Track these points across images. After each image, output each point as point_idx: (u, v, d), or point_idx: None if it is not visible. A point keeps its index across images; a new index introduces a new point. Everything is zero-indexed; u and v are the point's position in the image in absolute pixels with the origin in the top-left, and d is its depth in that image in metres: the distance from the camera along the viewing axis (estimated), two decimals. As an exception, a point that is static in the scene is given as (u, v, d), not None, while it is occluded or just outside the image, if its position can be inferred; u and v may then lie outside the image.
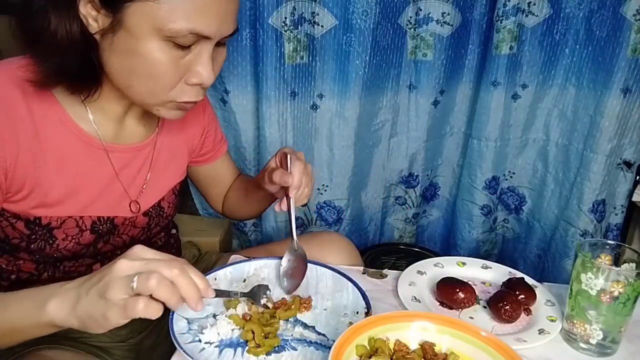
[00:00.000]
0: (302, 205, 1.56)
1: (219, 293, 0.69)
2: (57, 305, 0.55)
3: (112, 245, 0.81)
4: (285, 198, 0.80)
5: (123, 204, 0.80)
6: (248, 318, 0.71)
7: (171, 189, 0.88)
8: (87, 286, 0.55)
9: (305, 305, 0.75)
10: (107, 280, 0.52)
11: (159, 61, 0.63)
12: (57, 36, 0.62)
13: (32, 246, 0.73)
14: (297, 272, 0.80)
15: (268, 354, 0.66)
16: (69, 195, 0.73)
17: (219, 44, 0.68)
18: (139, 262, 0.53)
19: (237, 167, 1.07)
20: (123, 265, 0.53)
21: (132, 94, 0.68)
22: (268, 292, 0.75)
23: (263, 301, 0.73)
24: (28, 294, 0.60)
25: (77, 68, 0.65)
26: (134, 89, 0.67)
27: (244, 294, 0.72)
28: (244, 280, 0.81)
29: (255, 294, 0.74)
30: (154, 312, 0.52)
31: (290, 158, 0.79)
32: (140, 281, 0.51)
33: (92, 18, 0.62)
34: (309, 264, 0.83)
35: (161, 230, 0.92)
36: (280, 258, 0.83)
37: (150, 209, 0.85)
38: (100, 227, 0.78)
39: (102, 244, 0.80)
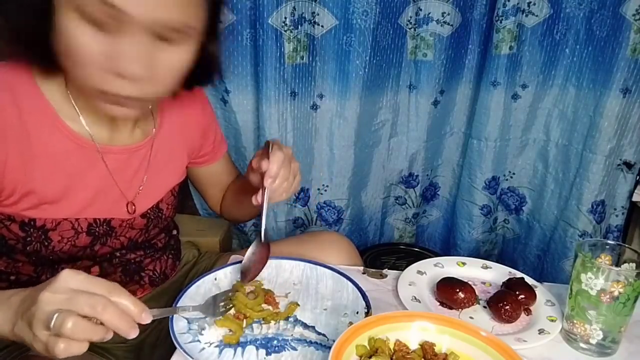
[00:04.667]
0: (302, 201, 1.57)
1: (165, 311, 0.66)
2: (2, 320, 0.54)
3: (109, 247, 0.81)
4: (262, 189, 0.76)
5: (120, 205, 0.80)
6: (242, 318, 0.71)
7: (169, 190, 0.88)
8: (22, 308, 0.53)
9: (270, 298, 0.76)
10: (32, 311, 0.50)
11: (75, 40, 0.58)
12: None
13: (27, 248, 0.73)
14: (258, 262, 0.78)
15: (268, 354, 0.66)
16: (63, 198, 0.73)
17: (162, 38, 0.60)
18: (61, 296, 0.50)
19: (237, 168, 1.07)
20: (45, 298, 0.50)
21: (73, 82, 0.66)
22: (223, 304, 0.71)
23: (220, 310, 0.70)
24: None
25: (32, 33, 0.61)
26: (69, 73, 0.64)
27: (195, 308, 0.69)
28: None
29: (208, 306, 0.70)
30: (76, 351, 0.50)
31: (272, 146, 0.75)
32: (57, 323, 0.48)
33: None
34: (309, 264, 0.83)
35: (160, 232, 0.92)
36: (281, 258, 0.84)
37: (148, 211, 0.84)
38: (97, 229, 0.78)
39: (99, 246, 0.79)
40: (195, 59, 0.67)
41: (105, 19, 0.56)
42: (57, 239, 0.74)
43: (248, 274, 0.77)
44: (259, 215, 0.78)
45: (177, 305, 0.71)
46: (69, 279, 0.52)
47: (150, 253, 0.90)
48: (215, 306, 0.71)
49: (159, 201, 0.86)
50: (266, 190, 0.75)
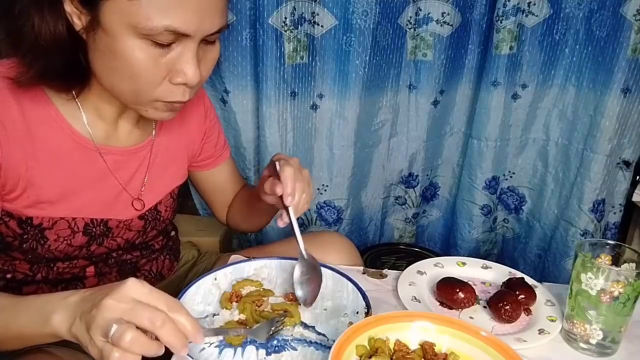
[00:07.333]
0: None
1: (218, 331, 0.67)
2: (59, 320, 0.55)
3: (105, 248, 0.81)
4: (284, 210, 0.76)
5: (120, 205, 0.80)
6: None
7: (169, 192, 0.88)
8: (81, 309, 0.53)
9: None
10: (93, 315, 0.51)
11: (137, 60, 0.61)
12: (41, 37, 0.61)
13: (24, 245, 0.73)
14: (312, 283, 0.76)
15: (268, 354, 0.66)
16: (62, 196, 0.73)
17: (207, 41, 0.65)
18: (124, 305, 0.50)
19: (243, 178, 1.05)
20: (108, 305, 0.50)
21: (118, 94, 0.68)
22: (275, 326, 0.69)
23: (270, 334, 0.68)
24: (35, 304, 0.58)
25: (63, 68, 0.64)
26: (118, 88, 0.66)
27: (246, 332, 0.68)
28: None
29: (259, 331, 0.68)
30: None
31: (280, 165, 0.75)
32: (116, 334, 0.48)
33: (77, 16, 0.61)
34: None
35: (158, 234, 0.91)
36: (281, 258, 0.84)
37: (147, 212, 0.84)
38: (93, 229, 0.78)
39: (95, 246, 0.79)
40: None
41: (167, 41, 0.61)
42: (53, 238, 0.74)
43: (306, 297, 0.74)
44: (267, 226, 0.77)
45: (227, 329, 0.70)
46: (134, 289, 0.52)
47: (147, 254, 0.90)
48: (268, 330, 0.68)
49: (157, 203, 0.86)
50: (290, 209, 0.75)
